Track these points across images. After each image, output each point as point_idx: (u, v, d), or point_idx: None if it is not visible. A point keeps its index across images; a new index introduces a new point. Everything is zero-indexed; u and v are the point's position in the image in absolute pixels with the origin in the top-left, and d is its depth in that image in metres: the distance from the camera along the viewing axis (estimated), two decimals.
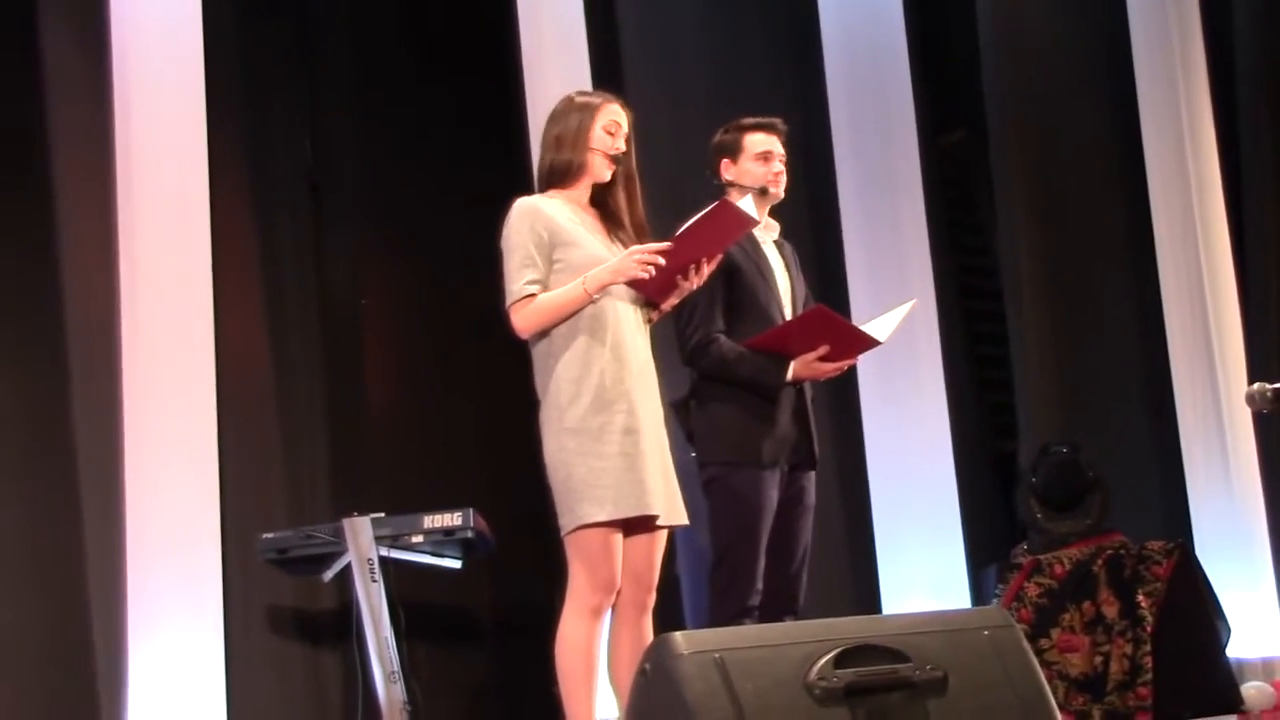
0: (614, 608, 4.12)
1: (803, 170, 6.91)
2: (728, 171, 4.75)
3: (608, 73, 6.40)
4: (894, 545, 6.69)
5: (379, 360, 6.34)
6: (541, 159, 4.23)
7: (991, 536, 6.91)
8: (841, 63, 7.04)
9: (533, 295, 4.05)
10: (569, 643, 4.03)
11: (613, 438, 4.00)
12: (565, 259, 4.09)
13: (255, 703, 5.68)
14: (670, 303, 4.22)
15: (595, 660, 4.04)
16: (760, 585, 4.54)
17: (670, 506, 4.11)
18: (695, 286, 4.20)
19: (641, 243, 4.15)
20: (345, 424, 6.16)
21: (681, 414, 4.65)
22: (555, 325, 4.06)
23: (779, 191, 4.78)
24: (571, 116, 4.20)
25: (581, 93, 4.33)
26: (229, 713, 5.52)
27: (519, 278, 4.06)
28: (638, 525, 4.06)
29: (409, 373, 6.41)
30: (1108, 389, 7.01)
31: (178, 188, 5.81)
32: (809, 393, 4.74)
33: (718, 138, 4.81)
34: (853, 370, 6.64)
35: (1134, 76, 7.07)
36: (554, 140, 4.19)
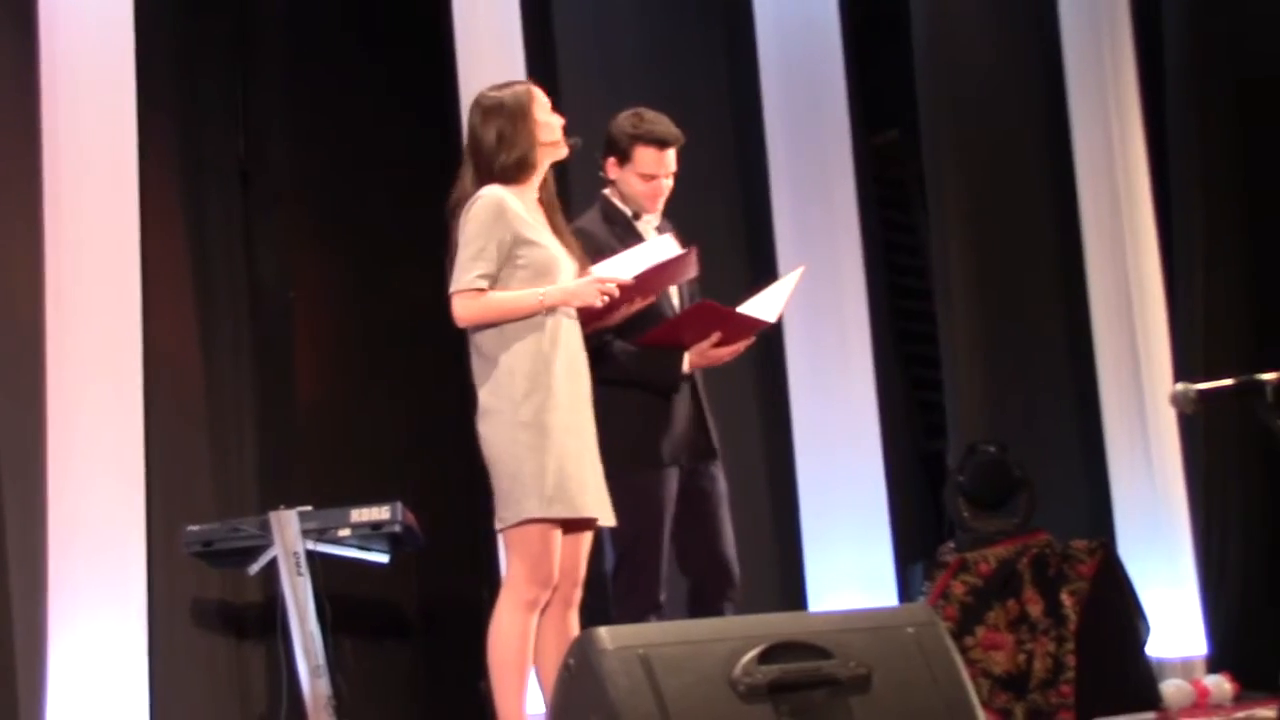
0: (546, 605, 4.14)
1: (734, 167, 6.95)
2: (612, 171, 4.69)
3: (542, 59, 6.38)
4: (822, 542, 6.71)
5: (308, 352, 6.30)
6: (489, 158, 4.18)
7: (919, 534, 6.95)
8: (776, 62, 7.04)
9: (481, 290, 4.07)
10: (503, 635, 4.05)
11: (562, 437, 4.07)
12: (528, 258, 4.12)
13: (179, 697, 5.63)
14: (591, 328, 4.29)
15: (528, 654, 4.07)
16: (663, 585, 4.56)
17: (605, 507, 4.20)
18: (613, 323, 4.36)
19: (565, 243, 4.23)
20: (273, 416, 6.12)
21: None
22: (498, 324, 4.09)
23: (654, 214, 4.74)
24: (508, 115, 4.19)
25: (498, 86, 4.30)
26: (152, 707, 5.47)
27: (471, 269, 4.07)
28: (573, 523, 4.13)
29: (339, 365, 6.37)
30: (1035, 389, 7.07)
31: (106, 176, 5.74)
32: (701, 386, 4.72)
33: (612, 129, 4.70)
34: (782, 366, 6.70)
35: (1064, 78, 7.13)
36: (500, 141, 4.17)
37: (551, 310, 4.12)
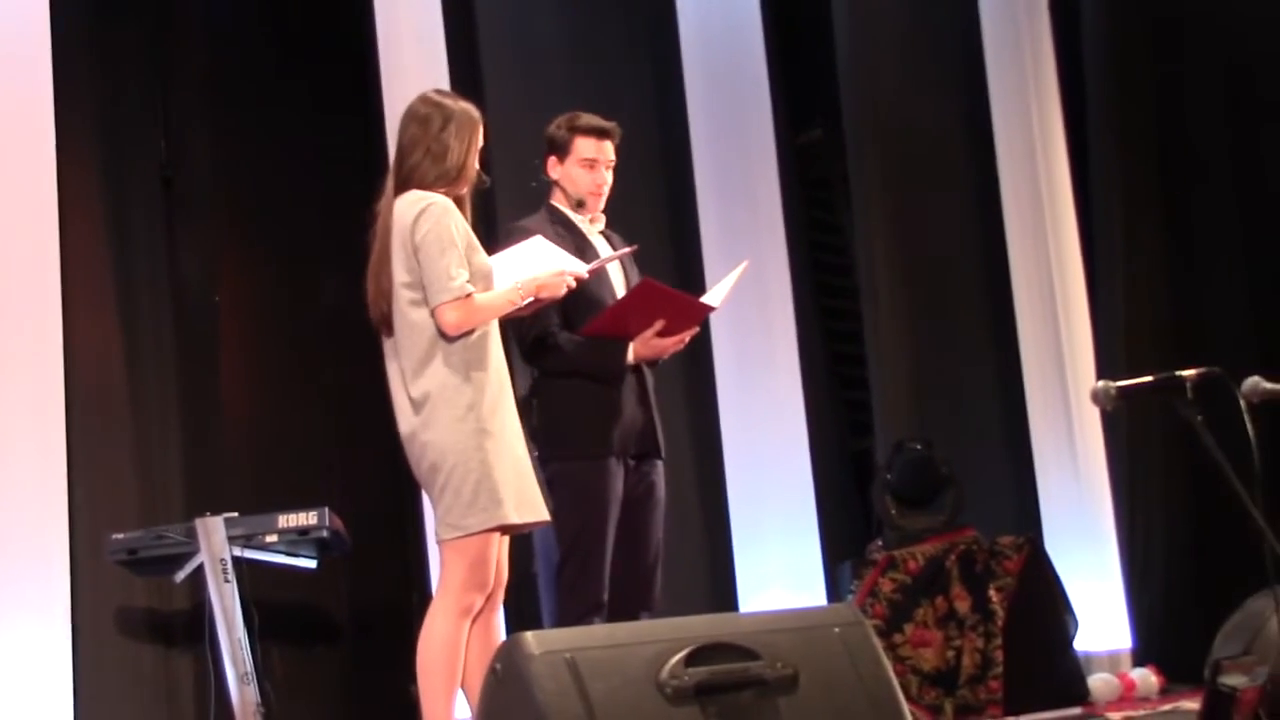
0: None
1: (660, 168, 6.96)
2: (554, 170, 4.76)
3: (465, 66, 6.37)
4: (751, 541, 6.73)
5: (233, 357, 6.24)
6: (419, 162, 4.18)
7: (847, 532, 6.98)
8: (699, 61, 7.05)
9: (471, 294, 4.07)
10: (436, 641, 4.04)
11: (513, 442, 4.11)
12: (475, 264, 4.14)
13: (104, 707, 5.57)
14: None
15: (459, 660, 4.06)
16: (608, 581, 4.54)
17: (544, 508, 4.23)
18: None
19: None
20: (198, 422, 6.06)
21: (524, 413, 4.63)
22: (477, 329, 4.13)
23: (597, 209, 4.78)
24: (456, 133, 4.20)
25: (446, 95, 4.32)
26: (76, 718, 5.41)
27: (457, 275, 4.06)
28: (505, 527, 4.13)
29: (264, 370, 6.33)
30: (961, 386, 7.12)
31: (25, 181, 5.67)
32: (650, 380, 4.74)
33: (550, 130, 4.80)
34: (709, 366, 6.71)
35: (985, 77, 7.18)
36: (439, 152, 4.17)
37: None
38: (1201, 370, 3.62)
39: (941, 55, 7.32)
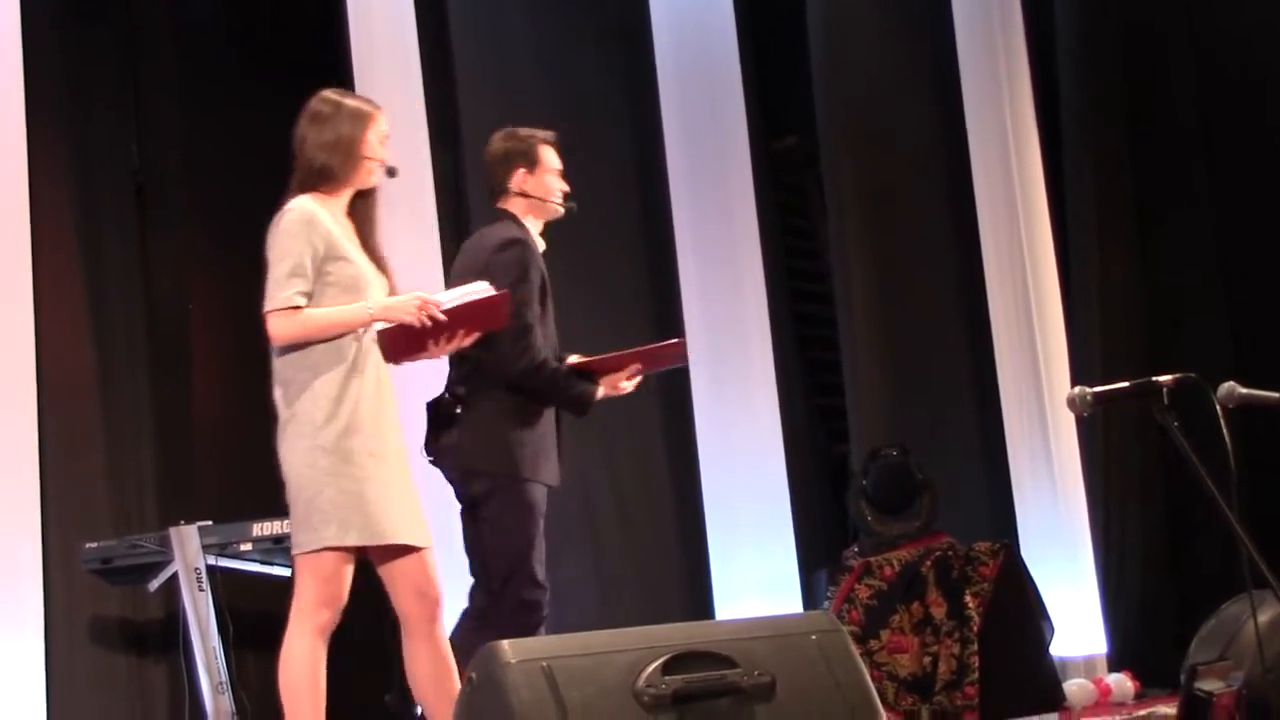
0: (404, 628, 4.09)
1: (635, 175, 6.96)
2: (524, 182, 4.65)
3: (439, 72, 6.36)
4: (726, 548, 6.73)
5: (207, 365, 6.22)
6: (310, 160, 4.10)
7: (823, 539, 6.99)
8: (673, 69, 7.06)
9: (298, 307, 3.97)
10: (295, 662, 3.96)
11: (363, 462, 3.96)
12: (336, 273, 4.02)
13: (78, 716, 5.55)
14: (402, 360, 4.15)
15: (321, 680, 3.98)
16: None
17: (418, 530, 4.06)
18: (436, 356, 4.22)
19: (376, 263, 4.12)
20: (172, 431, 6.04)
21: (440, 417, 4.55)
22: (318, 341, 3.99)
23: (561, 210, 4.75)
24: (344, 122, 4.11)
25: (342, 94, 4.23)
26: None
27: (288, 286, 3.97)
28: (391, 551, 4.03)
29: (237, 378, 6.29)
30: (936, 393, 7.12)
31: None
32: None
33: (506, 145, 4.69)
34: (684, 373, 6.71)
35: (960, 82, 7.19)
36: (328, 143, 4.09)
37: (358, 333, 4.01)
38: (1177, 376, 3.62)
39: (916, 62, 7.33)
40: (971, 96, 7.18)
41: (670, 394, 6.74)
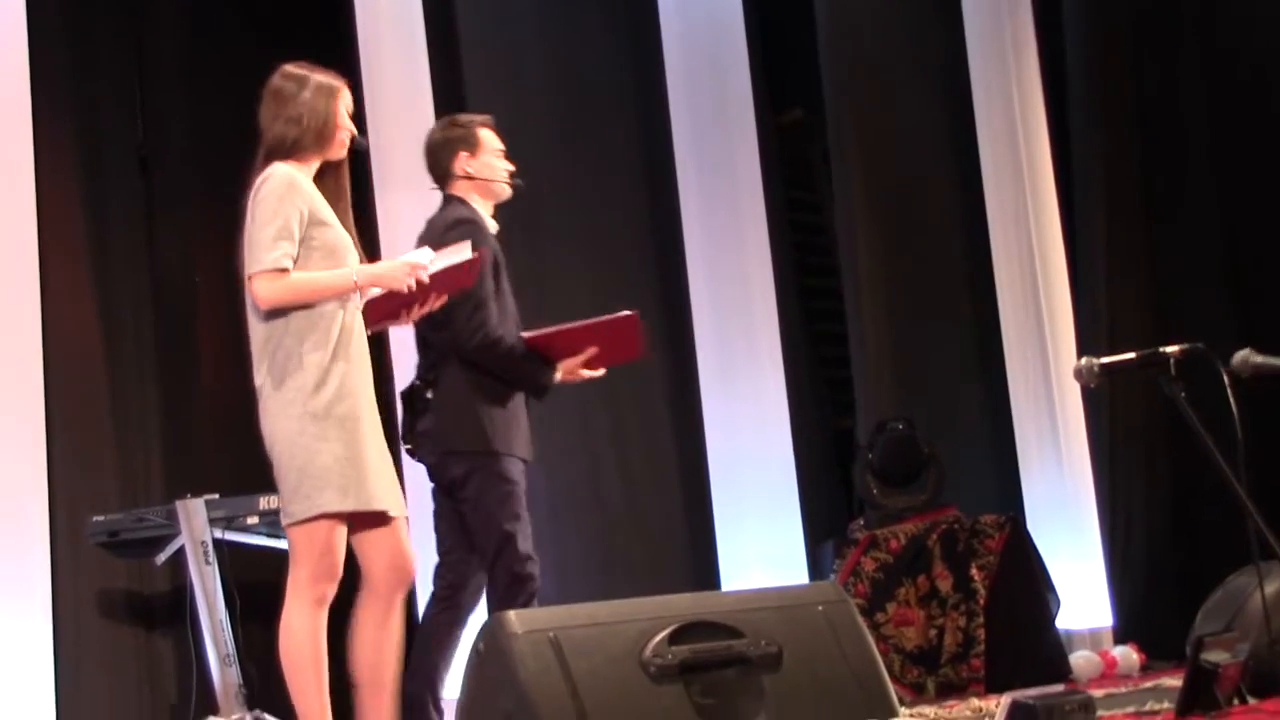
0: (366, 595, 4.10)
1: (640, 150, 6.94)
2: (467, 164, 4.66)
3: (445, 52, 6.34)
4: (733, 521, 6.73)
5: (213, 339, 6.22)
6: (281, 134, 4.10)
7: (829, 512, 6.98)
8: (679, 41, 7.04)
9: (285, 270, 3.94)
10: (296, 636, 3.97)
11: (354, 428, 3.96)
12: (320, 238, 4.01)
13: (86, 690, 5.56)
14: (376, 328, 4.18)
15: (323, 652, 3.99)
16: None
17: (397, 498, 4.09)
18: (406, 324, 4.25)
19: (349, 231, 4.12)
20: (179, 404, 6.05)
21: (414, 404, 4.56)
22: (302, 306, 3.97)
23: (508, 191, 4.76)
24: (314, 94, 4.12)
25: (307, 67, 4.22)
26: (58, 701, 5.39)
27: (274, 248, 3.93)
28: (370, 519, 4.03)
29: (244, 351, 6.27)
30: (942, 366, 7.11)
31: (1, 163, 5.64)
32: None
33: (445, 132, 4.73)
34: (690, 346, 6.71)
35: (967, 56, 7.17)
36: (297, 117, 4.09)
37: (345, 298, 4.01)
38: (1185, 346, 3.62)
39: (923, 35, 7.31)
40: (978, 69, 7.16)
41: (676, 366, 6.74)
